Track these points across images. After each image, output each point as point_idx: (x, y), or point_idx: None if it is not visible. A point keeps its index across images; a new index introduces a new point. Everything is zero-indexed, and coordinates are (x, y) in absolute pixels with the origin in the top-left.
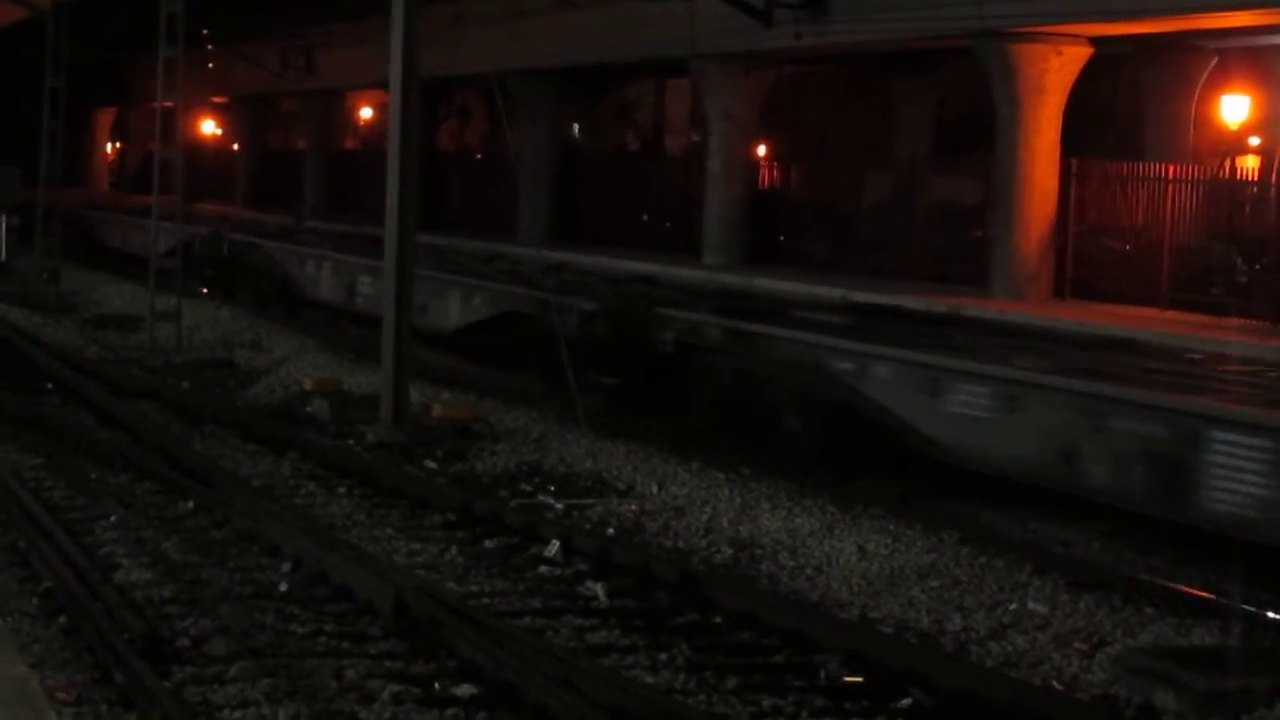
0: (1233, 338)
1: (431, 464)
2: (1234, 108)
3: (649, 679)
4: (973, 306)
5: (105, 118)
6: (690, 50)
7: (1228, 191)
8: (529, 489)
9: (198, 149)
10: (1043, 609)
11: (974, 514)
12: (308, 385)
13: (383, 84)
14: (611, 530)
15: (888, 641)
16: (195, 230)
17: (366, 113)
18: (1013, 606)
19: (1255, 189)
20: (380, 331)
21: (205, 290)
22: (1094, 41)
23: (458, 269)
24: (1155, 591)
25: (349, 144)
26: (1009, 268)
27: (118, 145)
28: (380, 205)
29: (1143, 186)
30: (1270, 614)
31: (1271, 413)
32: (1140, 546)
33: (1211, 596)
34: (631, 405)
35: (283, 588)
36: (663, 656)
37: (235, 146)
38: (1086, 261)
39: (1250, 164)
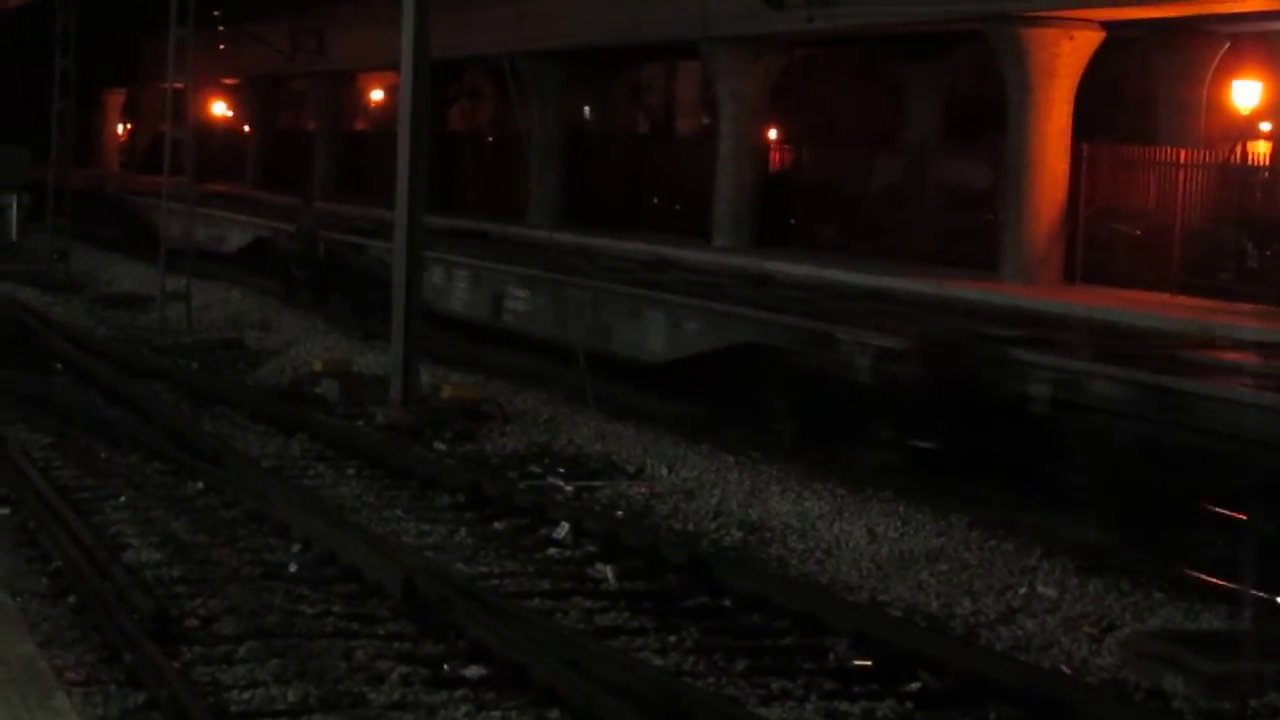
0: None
1: (441, 445)
2: (1245, 93)
3: (658, 661)
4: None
5: (115, 98)
6: (701, 33)
7: (1239, 176)
8: (538, 470)
9: (208, 130)
10: (1052, 593)
11: (983, 500)
12: (317, 366)
13: (393, 65)
14: (621, 512)
15: (897, 625)
16: (273, 224)
17: (377, 94)
18: (1022, 590)
19: (1266, 174)
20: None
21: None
22: (1106, 25)
23: (628, 278)
24: (1164, 576)
25: (359, 125)
26: (1019, 251)
27: (128, 125)
28: (390, 187)
29: (1153, 171)
30: None
31: None
32: (1149, 532)
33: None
34: (954, 477)
35: (292, 568)
36: (672, 639)
37: (245, 128)
38: (1096, 245)
39: (1261, 149)
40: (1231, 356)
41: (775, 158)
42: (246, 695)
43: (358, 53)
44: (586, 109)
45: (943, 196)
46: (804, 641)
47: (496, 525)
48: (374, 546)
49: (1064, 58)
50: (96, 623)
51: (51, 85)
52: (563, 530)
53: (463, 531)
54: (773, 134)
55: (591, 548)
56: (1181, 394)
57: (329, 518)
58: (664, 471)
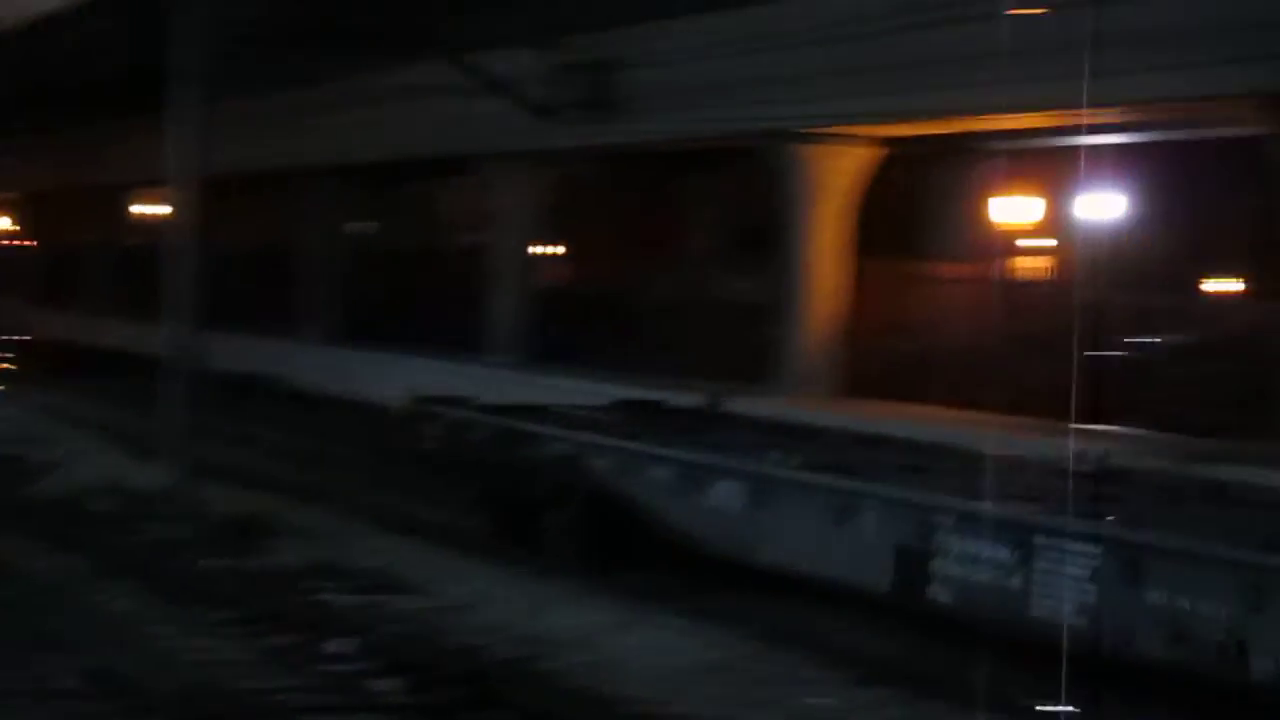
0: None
1: (220, 561)
2: (1015, 209)
3: None
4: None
5: None
6: (473, 148)
7: (1000, 291)
8: (319, 585)
9: None
10: (829, 702)
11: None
12: (97, 482)
13: (165, 181)
14: (402, 627)
15: None
16: None
17: (150, 208)
18: (807, 700)
19: (1035, 287)
20: None
21: None
22: (886, 142)
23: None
24: (947, 685)
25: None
26: (792, 365)
27: None
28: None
29: (926, 287)
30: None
31: None
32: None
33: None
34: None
35: (69, 684)
36: None
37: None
38: (870, 360)
39: (1031, 264)
40: None
41: (553, 273)
42: None
43: (130, 168)
44: (365, 224)
45: (721, 311)
46: None
47: (276, 640)
48: (155, 662)
49: (840, 174)
50: None
51: None
52: (343, 645)
53: (242, 646)
54: (549, 249)
55: (373, 663)
56: None
57: (108, 633)
58: (447, 586)
